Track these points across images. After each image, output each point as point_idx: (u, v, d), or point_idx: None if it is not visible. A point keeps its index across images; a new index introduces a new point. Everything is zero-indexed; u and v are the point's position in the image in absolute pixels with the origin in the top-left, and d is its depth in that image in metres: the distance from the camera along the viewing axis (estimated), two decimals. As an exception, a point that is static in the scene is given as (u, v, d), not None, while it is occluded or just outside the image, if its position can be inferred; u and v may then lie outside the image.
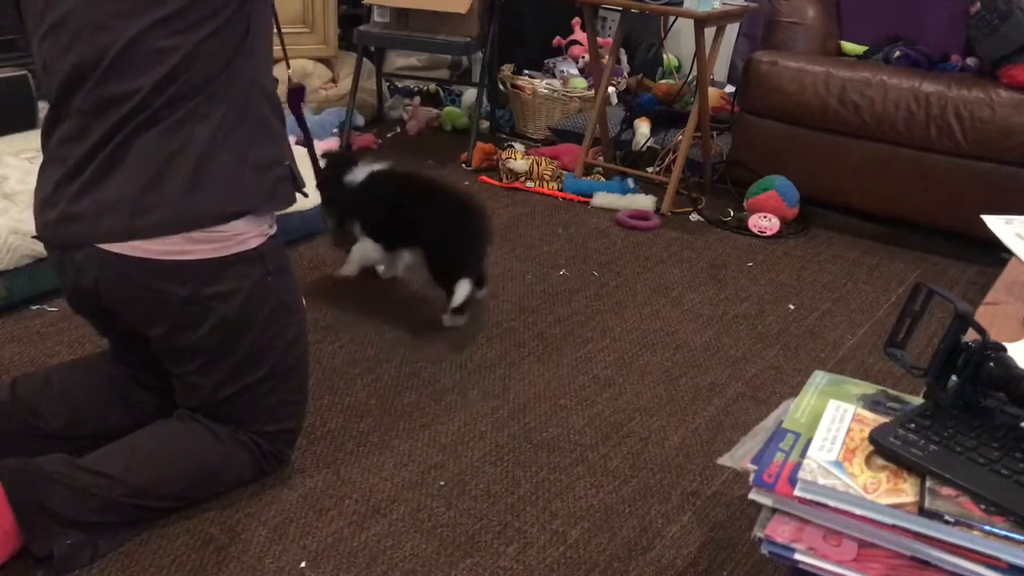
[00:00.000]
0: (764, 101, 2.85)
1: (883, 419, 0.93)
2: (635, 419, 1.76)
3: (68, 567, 1.27)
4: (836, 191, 2.82)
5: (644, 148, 3.29)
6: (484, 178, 3.09)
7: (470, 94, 3.77)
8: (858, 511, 0.82)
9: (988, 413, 0.90)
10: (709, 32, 2.78)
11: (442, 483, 1.53)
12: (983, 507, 0.79)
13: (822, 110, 2.73)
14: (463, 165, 3.23)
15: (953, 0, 2.88)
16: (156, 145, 1.25)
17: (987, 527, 0.77)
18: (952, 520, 0.78)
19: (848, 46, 3.13)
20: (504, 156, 3.07)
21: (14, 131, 2.53)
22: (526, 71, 3.83)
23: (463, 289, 1.97)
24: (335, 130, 3.37)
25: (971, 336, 0.91)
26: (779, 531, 0.86)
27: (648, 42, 3.96)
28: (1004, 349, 0.90)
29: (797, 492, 0.85)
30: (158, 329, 1.34)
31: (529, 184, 3.03)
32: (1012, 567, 0.76)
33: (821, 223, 2.86)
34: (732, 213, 2.89)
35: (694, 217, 2.87)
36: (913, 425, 0.89)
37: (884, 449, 0.87)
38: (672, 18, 3.33)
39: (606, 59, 3.11)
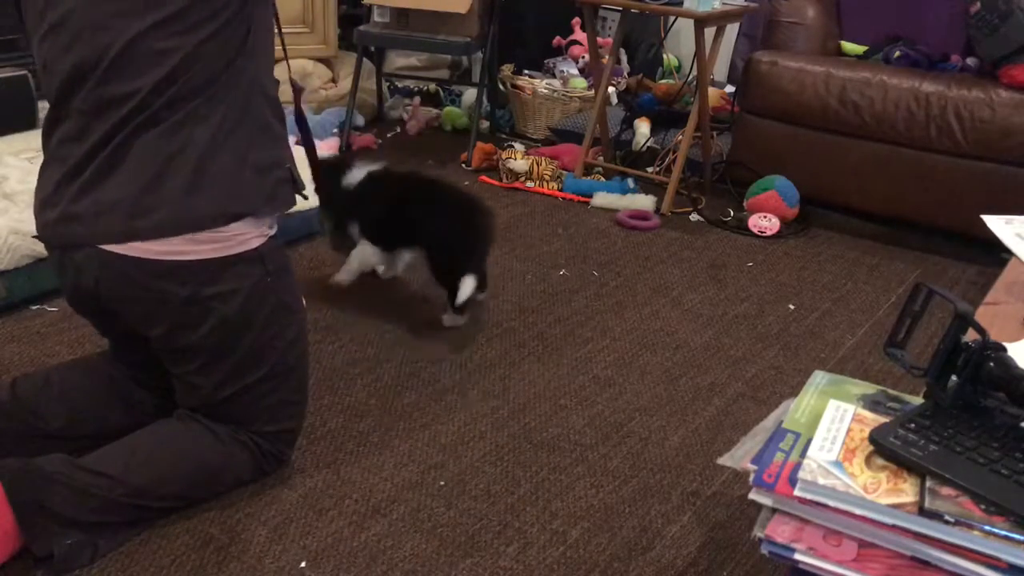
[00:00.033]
0: (764, 101, 2.85)
1: (883, 419, 0.93)
2: (635, 419, 1.76)
3: (68, 567, 1.27)
4: (836, 191, 2.82)
5: (644, 148, 3.29)
6: (484, 178, 3.09)
7: (470, 94, 3.77)
8: (858, 511, 0.82)
9: (988, 413, 0.90)
10: (709, 32, 2.78)
11: (442, 483, 1.53)
12: (983, 507, 0.79)
13: (822, 110, 2.73)
14: (463, 165, 3.23)
15: (953, 0, 2.88)
16: (156, 146, 1.25)
17: (987, 527, 0.77)
18: (952, 520, 0.78)
19: (848, 46, 3.13)
20: (504, 156, 3.08)
21: (14, 131, 2.53)
22: (526, 71, 3.83)
23: (468, 285, 1.96)
24: (335, 130, 3.37)
25: (971, 336, 0.91)
26: (779, 531, 0.86)
27: (648, 42, 3.96)
28: (1004, 349, 0.90)
29: (797, 492, 0.85)
30: (158, 329, 1.34)
31: (529, 184, 3.03)
32: (1012, 567, 0.76)
33: (821, 223, 2.86)
34: (732, 213, 2.89)
35: (694, 217, 2.87)
36: (913, 425, 0.89)
37: (884, 449, 0.87)
38: (672, 18, 3.33)
39: (606, 59, 3.11)
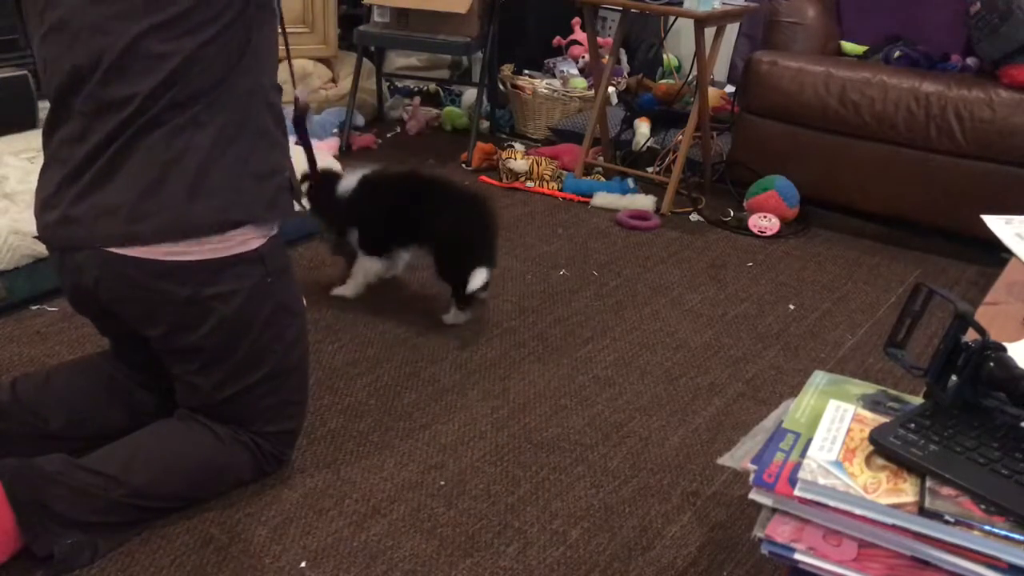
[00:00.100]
0: (764, 101, 2.85)
1: (883, 419, 0.93)
2: (635, 419, 1.76)
3: (68, 567, 1.27)
4: (836, 191, 2.82)
5: (644, 148, 3.29)
6: (484, 178, 3.09)
7: (470, 94, 3.77)
8: (858, 511, 0.82)
9: (988, 413, 0.90)
10: (709, 32, 2.78)
11: (442, 483, 1.53)
12: (983, 507, 0.80)
13: (822, 110, 2.73)
14: (463, 165, 3.23)
15: (953, 0, 2.88)
16: (157, 151, 1.25)
17: (987, 527, 0.77)
18: (952, 520, 0.78)
19: (848, 46, 3.13)
20: (504, 156, 3.08)
21: (14, 131, 2.53)
22: (526, 71, 3.83)
23: (479, 275, 1.96)
24: (335, 130, 3.37)
25: (971, 336, 0.91)
26: (779, 531, 0.86)
27: (648, 42, 3.96)
28: (1004, 349, 0.90)
29: (797, 492, 0.85)
30: (158, 329, 1.34)
31: (529, 184, 3.03)
32: (1012, 567, 0.76)
33: (821, 223, 2.86)
34: (732, 213, 2.89)
35: (694, 217, 2.87)
36: (913, 425, 0.89)
37: (884, 449, 0.87)
38: (672, 18, 3.33)
39: (606, 59, 3.11)
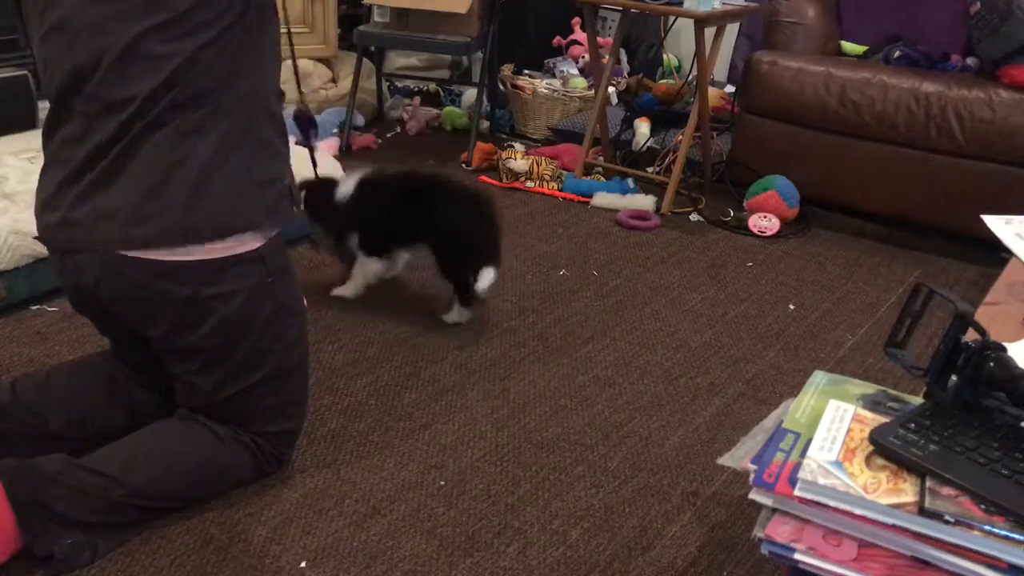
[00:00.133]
0: (764, 101, 2.85)
1: (883, 419, 0.93)
2: (635, 419, 1.76)
3: (68, 567, 1.27)
4: (836, 191, 2.82)
5: (644, 148, 3.29)
6: (484, 178, 3.09)
7: (470, 94, 3.77)
8: (858, 511, 0.82)
9: (988, 413, 0.90)
10: (709, 32, 2.78)
11: (442, 483, 1.53)
12: (983, 507, 0.80)
13: (822, 110, 2.73)
14: (463, 165, 3.23)
15: (953, 0, 2.88)
16: (158, 156, 1.25)
17: (987, 527, 0.77)
18: (952, 520, 0.78)
19: (848, 46, 3.13)
20: (504, 156, 3.08)
21: (14, 131, 2.53)
22: (526, 71, 3.83)
23: (488, 274, 1.96)
24: (335, 130, 3.37)
25: (971, 336, 0.91)
26: (779, 531, 0.86)
27: (648, 42, 3.96)
28: (1004, 349, 0.90)
29: (797, 492, 0.85)
30: (158, 329, 1.34)
31: (529, 184, 3.03)
32: (1012, 567, 0.76)
33: (821, 223, 2.86)
34: (732, 213, 2.89)
35: (694, 217, 2.87)
36: (913, 425, 0.89)
37: (884, 449, 0.87)
38: (672, 18, 3.32)
39: (606, 59, 3.11)
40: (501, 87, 3.70)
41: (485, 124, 3.68)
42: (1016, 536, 0.77)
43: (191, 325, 1.32)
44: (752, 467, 0.90)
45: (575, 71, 3.81)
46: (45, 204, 1.32)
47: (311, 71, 3.60)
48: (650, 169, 3.19)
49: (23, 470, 1.26)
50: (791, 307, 2.28)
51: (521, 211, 2.83)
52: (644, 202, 2.88)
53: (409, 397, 1.79)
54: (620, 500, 1.52)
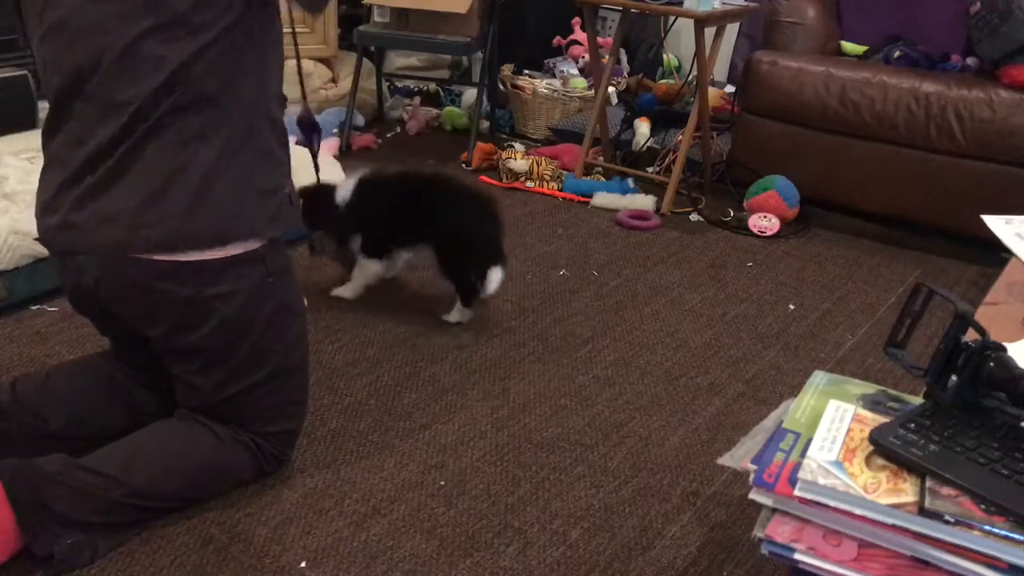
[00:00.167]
0: (764, 101, 2.85)
1: (883, 419, 0.93)
2: (635, 419, 1.76)
3: (68, 567, 1.27)
4: (836, 191, 2.82)
5: (644, 148, 3.30)
6: (484, 178, 3.09)
7: (470, 94, 3.77)
8: (858, 511, 0.82)
9: (988, 413, 0.90)
10: (709, 32, 2.78)
11: (442, 483, 1.53)
12: (983, 507, 0.80)
13: (822, 110, 2.73)
14: (463, 165, 3.23)
15: (953, 0, 2.88)
16: (160, 162, 1.24)
17: (987, 527, 0.77)
18: (952, 520, 0.78)
19: (848, 46, 3.13)
20: (504, 156, 3.08)
21: (14, 131, 2.53)
22: (526, 71, 3.83)
23: (496, 275, 1.97)
24: (335, 130, 3.37)
25: (971, 336, 0.91)
26: (779, 531, 0.86)
27: (648, 42, 3.96)
28: (1004, 349, 0.90)
29: (797, 492, 0.85)
30: (159, 329, 1.34)
31: (529, 184, 3.03)
32: (1012, 567, 0.76)
33: (821, 223, 2.86)
34: (732, 213, 2.89)
35: (694, 217, 2.87)
36: (913, 425, 0.89)
37: (884, 449, 0.87)
38: (672, 18, 3.33)
39: (606, 59, 3.11)
40: (501, 87, 3.70)
41: (485, 124, 3.68)
42: (1016, 536, 0.77)
43: (192, 325, 1.32)
44: (752, 467, 0.90)
45: (575, 71, 3.81)
46: (45, 206, 1.32)
47: (311, 71, 3.60)
48: (650, 169, 3.19)
49: (23, 470, 1.26)
50: (791, 307, 2.28)
51: (521, 211, 2.83)
52: (644, 202, 2.88)
53: (409, 397, 1.79)
54: (620, 500, 1.52)
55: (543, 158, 3.10)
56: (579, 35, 3.86)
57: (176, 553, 1.33)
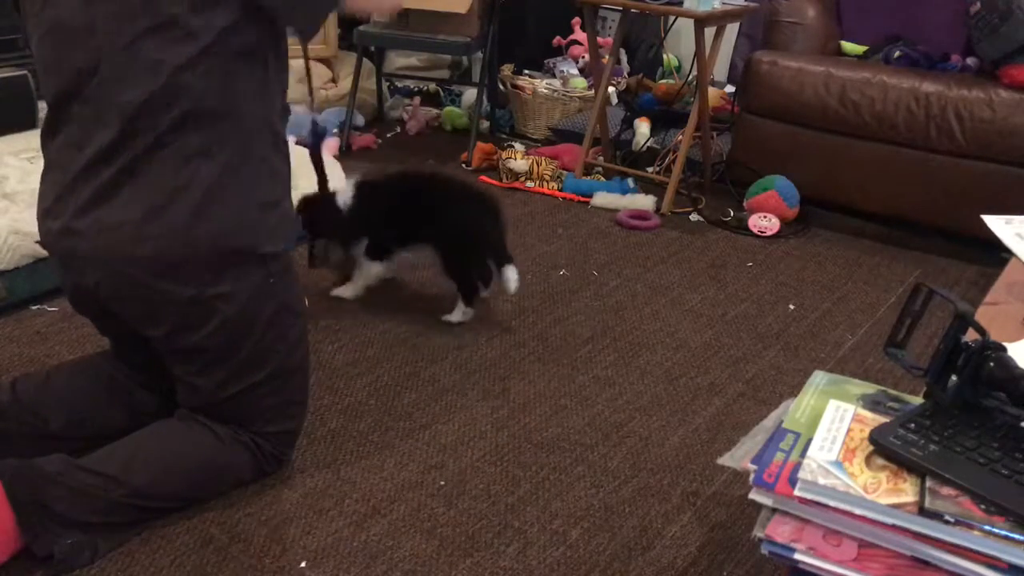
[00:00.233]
0: (764, 101, 2.85)
1: (883, 419, 0.93)
2: (635, 419, 1.76)
3: (68, 567, 1.27)
4: (836, 191, 2.82)
5: (644, 148, 3.29)
6: (484, 178, 3.09)
7: (470, 94, 3.77)
8: (858, 511, 0.82)
9: (988, 413, 0.90)
10: (709, 32, 2.78)
11: (442, 483, 1.53)
12: (983, 507, 0.80)
13: (822, 110, 2.73)
14: (463, 165, 3.23)
15: (953, 0, 2.88)
16: (162, 177, 1.24)
17: (987, 527, 0.77)
18: (952, 520, 0.78)
19: (848, 46, 3.13)
20: (504, 156, 3.08)
21: (14, 131, 2.53)
22: (526, 71, 3.83)
23: (512, 274, 1.98)
24: (335, 130, 3.37)
25: (971, 336, 0.91)
26: (779, 531, 0.86)
27: (648, 42, 3.96)
28: (1004, 349, 0.90)
29: (797, 492, 0.85)
30: (160, 330, 1.34)
31: (529, 184, 3.03)
32: (1012, 567, 0.76)
33: (821, 223, 2.86)
34: (732, 213, 2.89)
35: (694, 217, 2.87)
36: (913, 425, 0.89)
37: (884, 449, 0.87)
38: (672, 18, 3.33)
39: (606, 59, 3.11)
40: (501, 87, 3.70)
41: (485, 124, 3.68)
42: (1016, 536, 0.77)
43: (193, 325, 1.32)
44: (752, 467, 0.90)
45: (575, 71, 3.81)
46: (47, 212, 1.31)
47: (311, 71, 3.60)
48: (650, 169, 3.19)
49: (23, 470, 1.26)
50: (791, 307, 2.28)
51: (521, 211, 2.83)
52: (644, 202, 2.88)
53: (409, 397, 1.79)
54: (620, 500, 1.52)
55: (543, 158, 3.10)
56: (579, 35, 3.86)
57: (176, 553, 1.33)
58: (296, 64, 3.31)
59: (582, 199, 2.95)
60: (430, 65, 4.20)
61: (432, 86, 4.09)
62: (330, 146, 3.21)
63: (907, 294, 0.99)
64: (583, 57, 3.79)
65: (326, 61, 3.70)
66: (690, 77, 3.18)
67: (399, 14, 3.24)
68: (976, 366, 0.89)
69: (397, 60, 4.11)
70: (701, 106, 2.87)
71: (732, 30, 3.66)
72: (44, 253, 1.83)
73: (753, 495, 0.89)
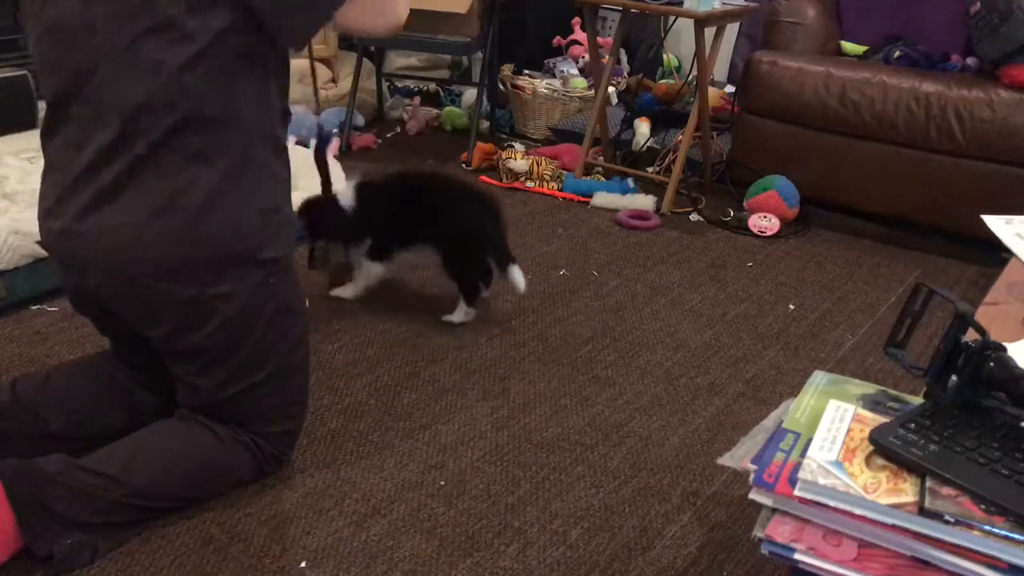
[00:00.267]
0: (764, 101, 2.85)
1: (883, 419, 0.93)
2: (635, 419, 1.76)
3: (68, 567, 1.27)
4: (836, 191, 2.82)
5: (644, 148, 3.30)
6: (484, 178, 3.09)
7: (470, 94, 3.77)
8: (858, 511, 0.82)
9: (988, 413, 0.90)
10: (709, 32, 2.78)
11: (442, 483, 1.53)
12: (983, 507, 0.80)
13: (822, 110, 2.73)
14: (463, 165, 3.23)
15: (953, 0, 2.88)
16: (162, 182, 1.24)
17: (987, 527, 0.77)
18: (952, 520, 0.78)
19: (848, 46, 3.13)
20: (504, 156, 3.08)
21: (14, 131, 2.53)
22: (526, 71, 3.83)
23: (518, 273, 1.99)
24: (335, 130, 3.37)
25: (971, 336, 0.91)
26: (779, 531, 0.86)
27: (648, 42, 3.96)
28: (1004, 349, 0.90)
29: (797, 492, 0.85)
30: (160, 330, 1.34)
31: (529, 184, 3.03)
32: (1012, 567, 0.76)
33: (821, 223, 2.86)
34: (732, 213, 2.89)
35: (694, 217, 2.87)
36: (913, 425, 0.89)
37: (884, 449, 0.87)
38: (672, 18, 3.33)
39: (606, 59, 3.11)
40: (501, 87, 3.70)
41: (485, 124, 3.68)
42: (1016, 536, 0.77)
43: (194, 325, 1.32)
44: (752, 467, 0.90)
45: (575, 71, 3.81)
46: (48, 211, 1.31)
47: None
48: (650, 169, 3.19)
49: (23, 470, 1.26)
50: (791, 307, 2.28)
51: (521, 211, 2.83)
52: (644, 202, 2.88)
53: (409, 397, 1.79)
54: (620, 500, 1.52)
55: (543, 158, 3.10)
56: (579, 35, 3.86)
57: (176, 553, 1.33)
58: (297, 64, 3.31)
59: (582, 199, 2.95)
60: (430, 65, 4.20)
61: (432, 86, 4.09)
62: (330, 146, 3.21)
63: (907, 294, 0.99)
64: (583, 57, 3.79)
65: (326, 61, 3.70)
66: (690, 77, 3.18)
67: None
68: (976, 366, 0.89)
69: (397, 60, 4.11)
70: (701, 106, 2.87)
71: (732, 30, 3.66)
72: (44, 253, 1.83)
73: (753, 495, 0.89)
